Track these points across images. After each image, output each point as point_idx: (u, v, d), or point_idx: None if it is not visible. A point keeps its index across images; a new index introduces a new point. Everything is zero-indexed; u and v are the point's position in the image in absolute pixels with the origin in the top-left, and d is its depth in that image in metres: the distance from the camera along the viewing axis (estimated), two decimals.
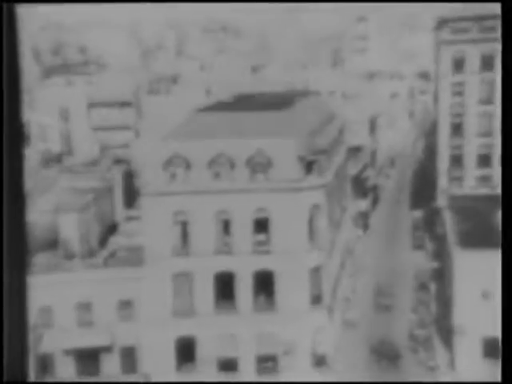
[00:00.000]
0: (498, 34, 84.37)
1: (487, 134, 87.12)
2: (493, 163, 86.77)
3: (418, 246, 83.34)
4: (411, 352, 57.50)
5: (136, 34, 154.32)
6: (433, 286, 70.07)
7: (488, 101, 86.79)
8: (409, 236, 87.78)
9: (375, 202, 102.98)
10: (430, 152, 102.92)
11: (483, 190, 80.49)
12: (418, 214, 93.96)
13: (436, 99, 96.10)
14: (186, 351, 53.43)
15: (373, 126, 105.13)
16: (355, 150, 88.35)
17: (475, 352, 53.91)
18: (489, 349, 53.89)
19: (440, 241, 73.35)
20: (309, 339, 53.41)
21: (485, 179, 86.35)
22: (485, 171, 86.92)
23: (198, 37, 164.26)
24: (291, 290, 52.95)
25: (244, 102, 70.95)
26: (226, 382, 54.07)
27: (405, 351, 57.81)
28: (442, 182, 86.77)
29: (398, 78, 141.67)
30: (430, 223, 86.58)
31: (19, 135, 11.38)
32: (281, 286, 53.22)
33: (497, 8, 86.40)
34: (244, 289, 53.03)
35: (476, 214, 68.57)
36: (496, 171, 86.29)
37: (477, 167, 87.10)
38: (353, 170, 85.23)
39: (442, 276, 66.83)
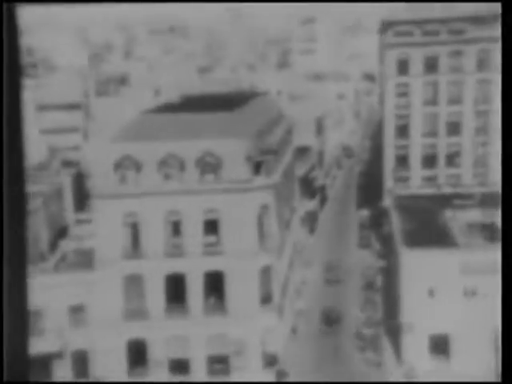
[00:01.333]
0: (441, 37, 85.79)
1: (432, 134, 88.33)
2: (438, 163, 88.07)
3: (365, 245, 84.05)
4: (359, 350, 57.90)
5: (84, 36, 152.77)
6: (380, 285, 70.77)
7: (432, 102, 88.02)
8: (356, 235, 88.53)
9: (323, 201, 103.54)
10: (376, 152, 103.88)
11: (429, 190, 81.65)
12: (365, 213, 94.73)
13: (381, 100, 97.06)
14: (137, 354, 53.10)
15: (320, 127, 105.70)
16: (303, 151, 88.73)
17: (422, 349, 54.61)
18: (436, 345, 54.75)
19: (386, 240, 74.06)
20: (259, 339, 53.56)
21: (430, 179, 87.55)
22: (430, 171, 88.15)
23: (145, 38, 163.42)
24: (241, 291, 53.01)
25: (192, 103, 70.76)
26: (226, 382, 53.88)
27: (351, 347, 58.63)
28: (388, 181, 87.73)
29: (345, 79, 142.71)
30: (377, 223, 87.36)
31: (19, 135, 11.26)
32: (231, 287, 53.24)
33: (442, 11, 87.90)
34: (195, 290, 52.91)
35: (422, 213, 69.45)
36: (441, 171, 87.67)
37: (422, 167, 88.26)
38: (300, 170, 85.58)
39: (389, 274, 67.49)
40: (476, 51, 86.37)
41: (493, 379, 49.50)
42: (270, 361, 54.16)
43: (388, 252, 71.02)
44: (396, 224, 65.75)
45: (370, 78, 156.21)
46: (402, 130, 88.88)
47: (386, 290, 67.20)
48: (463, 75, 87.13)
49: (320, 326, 63.63)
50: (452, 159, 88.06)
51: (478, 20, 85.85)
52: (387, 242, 72.67)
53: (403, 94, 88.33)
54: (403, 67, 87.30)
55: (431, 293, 54.54)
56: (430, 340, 54.68)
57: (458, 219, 67.21)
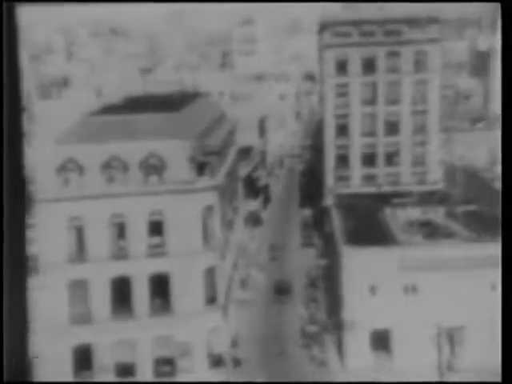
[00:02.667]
0: (378, 38, 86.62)
1: (371, 133, 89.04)
2: (377, 162, 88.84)
3: (308, 244, 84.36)
4: (303, 348, 58.08)
5: (24, 37, 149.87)
6: (322, 283, 71.13)
7: (371, 101, 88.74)
8: (299, 234, 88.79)
9: (266, 201, 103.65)
10: (317, 152, 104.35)
11: (369, 189, 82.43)
12: (307, 212, 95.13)
13: (321, 100, 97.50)
14: (83, 359, 52.31)
15: (262, 127, 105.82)
16: (246, 151, 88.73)
17: (364, 345, 55.08)
18: (377, 341, 55.30)
19: (328, 238, 74.45)
20: (205, 340, 53.31)
21: (370, 178, 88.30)
22: (370, 170, 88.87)
23: (86, 40, 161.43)
24: (186, 292, 52.70)
25: (135, 104, 70.07)
26: (227, 382, 53.50)
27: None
28: (329, 181, 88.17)
29: (285, 79, 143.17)
30: (319, 221, 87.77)
31: (19, 135, 10.93)
32: (176, 288, 52.86)
33: (378, 13, 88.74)
34: (140, 293, 52.33)
35: (362, 211, 70.05)
36: (381, 170, 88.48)
37: (362, 166, 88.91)
38: (244, 170, 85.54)
39: (331, 273, 67.89)
40: (413, 52, 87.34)
41: (434, 373, 50.13)
42: (216, 361, 54.01)
43: (330, 250, 71.41)
44: (337, 223, 66.15)
45: (310, 78, 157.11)
46: (342, 130, 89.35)
47: (329, 288, 67.60)
48: (401, 76, 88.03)
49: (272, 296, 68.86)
50: (391, 158, 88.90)
51: (414, 22, 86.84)
52: (329, 241, 73.08)
53: (342, 94, 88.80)
54: (342, 67, 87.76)
55: (372, 290, 54.99)
56: (372, 336, 55.17)
57: (397, 217, 67.98)
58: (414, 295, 54.68)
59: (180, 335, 52.51)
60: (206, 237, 54.43)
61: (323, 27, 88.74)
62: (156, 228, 52.72)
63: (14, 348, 11.07)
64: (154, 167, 53.04)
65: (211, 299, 54.29)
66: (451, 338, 54.53)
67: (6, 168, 10.63)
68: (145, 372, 52.52)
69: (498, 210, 63.76)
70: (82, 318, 52.18)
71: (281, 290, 70.18)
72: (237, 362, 56.20)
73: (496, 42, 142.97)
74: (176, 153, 53.64)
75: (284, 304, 67.45)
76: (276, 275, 74.23)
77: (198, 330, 52.76)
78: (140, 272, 51.88)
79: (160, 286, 52.69)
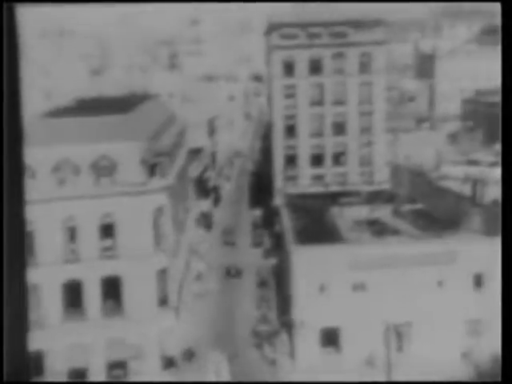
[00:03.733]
0: (324, 40, 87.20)
1: (319, 134, 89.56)
2: (325, 162, 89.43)
3: (258, 244, 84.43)
4: (255, 348, 58.11)
5: None
6: (273, 282, 71.29)
7: (318, 102, 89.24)
8: (249, 234, 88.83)
9: (217, 202, 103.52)
10: (267, 152, 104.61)
11: (317, 188, 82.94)
12: (257, 212, 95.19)
13: (270, 101, 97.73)
14: (34, 365, 51.39)
15: (212, 128, 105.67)
16: (196, 152, 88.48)
17: (314, 342, 55.37)
18: (327, 339, 55.64)
19: (278, 238, 74.68)
20: (157, 342, 52.96)
21: (318, 178, 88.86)
22: (318, 170, 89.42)
23: (35, 41, 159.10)
24: (138, 294, 52.25)
25: (85, 106, 69.29)
26: (228, 382, 53.06)
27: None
28: (278, 181, 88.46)
29: (234, 80, 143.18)
30: (269, 221, 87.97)
31: (19, 136, 10.75)
32: (128, 291, 52.32)
33: (324, 15, 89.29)
34: (92, 296, 51.58)
35: (311, 211, 70.43)
36: (328, 170, 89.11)
37: (310, 166, 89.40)
38: (194, 171, 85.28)
39: (282, 272, 68.09)
40: (358, 54, 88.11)
41: (381, 370, 50.65)
42: (169, 362, 53.72)
43: (280, 250, 71.66)
44: (286, 222, 66.28)
45: (258, 79, 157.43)
46: (290, 131, 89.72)
47: (280, 288, 67.80)
48: (346, 77, 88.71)
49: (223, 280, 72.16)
50: (338, 158, 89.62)
51: (359, 24, 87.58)
52: (279, 240, 73.32)
53: (290, 95, 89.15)
54: (289, 69, 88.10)
55: (321, 288, 55.26)
56: (321, 334, 55.48)
57: (345, 216, 68.58)
58: (362, 293, 55.14)
59: (132, 338, 52.02)
60: (158, 238, 54.04)
61: (270, 29, 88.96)
62: (107, 230, 52.15)
63: (14, 348, 10.95)
64: (104, 169, 52.44)
65: (163, 301, 53.93)
66: (399, 334, 55.18)
67: (6, 169, 10.54)
68: (97, 376, 51.84)
69: (443, 209, 65.01)
70: (34, 324, 51.31)
71: (231, 274, 73.33)
72: (190, 355, 56.27)
73: (439, 44, 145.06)
74: (126, 154, 53.13)
75: (236, 288, 69.01)
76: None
77: (151, 331, 52.37)
78: (92, 275, 51.19)
79: (112, 289, 52.04)
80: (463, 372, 52.81)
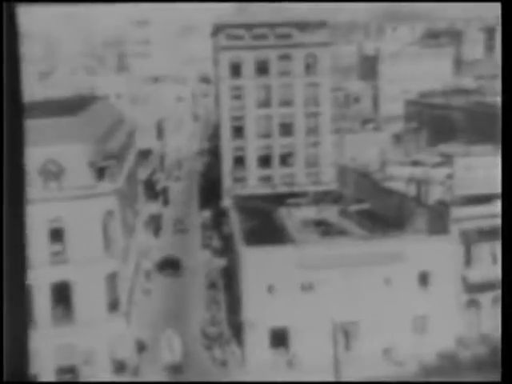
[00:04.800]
0: (269, 41, 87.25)
1: (266, 135, 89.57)
2: (273, 163, 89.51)
3: (208, 246, 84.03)
4: (205, 349, 57.79)
5: None
6: (222, 284, 71.05)
7: (265, 104, 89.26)
8: (199, 236, 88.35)
9: (166, 204, 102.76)
10: (215, 154, 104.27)
11: (265, 189, 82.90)
12: (207, 214, 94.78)
13: (217, 103, 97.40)
14: None
15: (160, 130, 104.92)
16: (144, 154, 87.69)
17: (263, 343, 55.33)
18: (276, 339, 55.66)
19: (227, 239, 74.51)
20: (107, 346, 52.24)
21: (266, 179, 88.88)
22: (265, 171, 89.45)
23: None
24: (88, 299, 51.45)
25: (33, 109, 67.95)
26: (228, 382, 52.49)
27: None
28: (227, 182, 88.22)
29: (182, 81, 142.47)
30: (218, 223, 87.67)
31: (20, 136, 10.36)
32: (78, 296, 51.50)
33: (270, 16, 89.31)
34: (42, 302, 50.65)
35: (259, 212, 70.41)
36: (276, 171, 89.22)
37: (258, 167, 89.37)
38: (143, 173, 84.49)
39: (231, 273, 67.95)
40: (303, 55, 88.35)
41: (331, 369, 50.90)
42: (119, 367, 53.06)
43: (229, 251, 71.50)
44: (235, 223, 66.23)
45: (206, 80, 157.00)
46: (238, 132, 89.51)
47: (229, 289, 67.62)
48: (293, 78, 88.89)
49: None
50: (286, 159, 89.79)
51: (304, 26, 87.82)
52: (228, 242, 73.15)
53: (237, 97, 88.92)
54: (236, 70, 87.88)
55: (270, 289, 55.28)
56: (271, 334, 55.49)
57: (293, 217, 68.72)
58: (310, 293, 55.32)
59: (83, 343, 51.22)
60: (107, 242, 53.36)
61: (217, 30, 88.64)
62: (56, 235, 51.24)
63: (14, 348, 10.66)
64: (52, 173, 51.49)
65: (113, 305, 53.26)
66: (346, 332, 55.53)
67: (6, 169, 10.22)
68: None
69: (389, 209, 65.58)
70: None
71: (170, 265, 74.53)
72: (142, 348, 55.84)
73: (382, 46, 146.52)
74: (74, 157, 52.28)
75: (185, 290, 69.11)
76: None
77: (101, 336, 51.63)
78: (41, 281, 50.20)
79: (62, 294, 51.22)
80: (410, 368, 53.34)
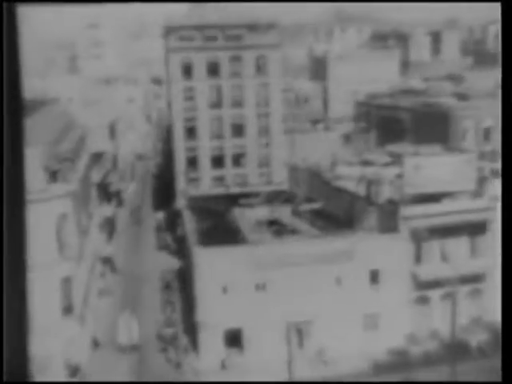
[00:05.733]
0: (220, 42, 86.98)
1: (218, 136, 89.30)
2: (225, 164, 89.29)
3: (162, 247, 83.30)
4: (160, 352, 57.17)
5: None
6: (177, 285, 70.48)
7: (217, 105, 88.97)
8: (153, 237, 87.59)
9: (120, 206, 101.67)
10: (168, 155, 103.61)
11: (218, 190, 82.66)
12: (161, 215, 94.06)
13: (169, 104, 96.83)
14: None
15: (113, 132, 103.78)
16: (97, 156, 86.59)
17: (218, 344, 55.00)
18: (230, 340, 55.35)
19: (182, 240, 73.95)
20: (62, 351, 51.27)
21: (219, 179, 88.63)
22: (218, 172, 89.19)
23: None
24: (42, 303, 50.44)
25: None
26: (228, 382, 51.59)
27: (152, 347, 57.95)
28: (180, 183, 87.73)
29: (133, 83, 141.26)
30: (172, 224, 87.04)
31: (20, 135, 10.07)
32: (31, 301, 50.43)
33: (219, 18, 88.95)
34: None
35: (213, 213, 70.07)
36: (229, 171, 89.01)
37: (211, 168, 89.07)
38: (96, 176, 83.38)
39: (186, 274, 67.44)
40: (254, 57, 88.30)
41: (284, 368, 50.81)
42: (74, 371, 52.18)
43: (184, 252, 70.96)
44: (189, 224, 65.68)
45: (157, 81, 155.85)
46: (191, 133, 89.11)
47: (184, 290, 67.09)
48: (244, 79, 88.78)
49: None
50: (238, 160, 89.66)
51: (254, 27, 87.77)
52: (182, 243, 72.60)
53: (189, 98, 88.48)
54: (187, 71, 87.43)
55: (225, 289, 54.95)
56: (225, 335, 55.18)
57: (246, 217, 68.53)
58: (264, 293, 55.17)
59: (36, 348, 50.18)
60: (61, 245, 52.41)
61: (168, 31, 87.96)
62: None
63: (14, 348, 10.34)
64: None
65: (68, 309, 52.33)
66: (299, 331, 55.55)
67: (6, 170, 9.93)
68: None
69: (340, 208, 65.83)
70: None
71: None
72: (95, 343, 55.04)
73: (331, 47, 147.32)
74: (28, 161, 51.12)
75: (140, 292, 68.41)
76: (132, 277, 72.98)
77: (55, 342, 50.66)
78: None
79: None
80: (362, 365, 53.57)
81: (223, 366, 53.99)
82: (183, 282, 68.34)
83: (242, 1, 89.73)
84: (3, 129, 9.99)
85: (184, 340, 58.18)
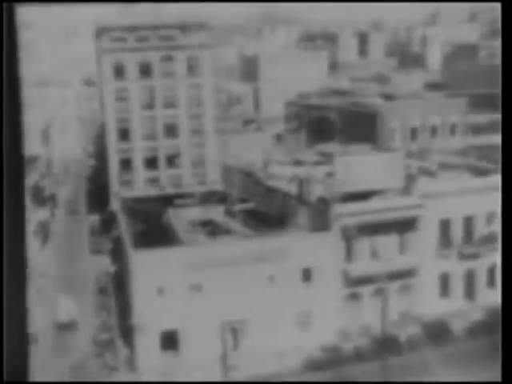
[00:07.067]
0: (152, 43, 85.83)
1: (152, 137, 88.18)
2: (159, 165, 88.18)
3: (97, 251, 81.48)
4: (96, 357, 55.78)
5: None
6: (113, 289, 68.97)
7: (150, 105, 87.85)
8: (87, 241, 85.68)
9: (54, 210, 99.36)
10: (101, 157, 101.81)
11: (152, 191, 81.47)
12: (95, 218, 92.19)
13: (102, 105, 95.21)
14: None
15: (46, 135, 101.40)
16: (31, 160, 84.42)
17: (154, 347, 53.94)
18: (166, 342, 54.35)
19: (117, 243, 72.53)
20: None
21: (153, 180, 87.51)
22: (152, 173, 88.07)
23: None
24: None
25: None
26: (226, 382, 50.31)
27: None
28: (114, 185, 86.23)
29: (66, 85, 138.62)
30: (107, 227, 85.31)
31: (19, 133, 9.11)
32: None
33: (151, 18, 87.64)
34: None
35: (148, 214, 68.85)
36: (163, 172, 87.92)
37: (145, 169, 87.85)
38: (30, 179, 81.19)
39: (121, 278, 66.08)
40: (185, 57, 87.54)
41: (218, 369, 50.20)
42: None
43: (119, 255, 69.57)
44: (124, 227, 64.37)
45: (90, 83, 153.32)
46: (124, 134, 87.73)
47: (120, 293, 65.64)
48: (176, 80, 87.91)
49: None
50: (172, 160, 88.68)
51: (185, 28, 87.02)
52: (118, 246, 71.19)
53: (122, 99, 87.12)
54: (120, 72, 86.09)
55: (160, 291, 53.92)
56: (161, 337, 54.14)
57: (180, 218, 67.59)
58: (199, 293, 54.38)
59: None
60: None
61: (100, 32, 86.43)
62: None
63: (14, 348, 9.52)
64: None
65: None
66: (234, 331, 55.00)
67: (6, 170, 9.06)
68: None
69: (272, 208, 65.50)
70: None
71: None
72: (34, 341, 53.77)
73: (261, 48, 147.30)
74: None
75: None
76: (67, 283, 71.15)
77: None
78: None
79: None
80: (295, 362, 53.31)
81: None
82: (119, 285, 66.88)
83: (173, 1, 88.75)
84: (3, 125, 9.35)
85: (120, 344, 56.89)
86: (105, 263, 76.53)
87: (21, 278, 9.65)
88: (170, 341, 54.19)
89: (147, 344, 53.63)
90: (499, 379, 48.48)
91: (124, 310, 59.57)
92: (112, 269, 73.10)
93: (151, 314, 53.51)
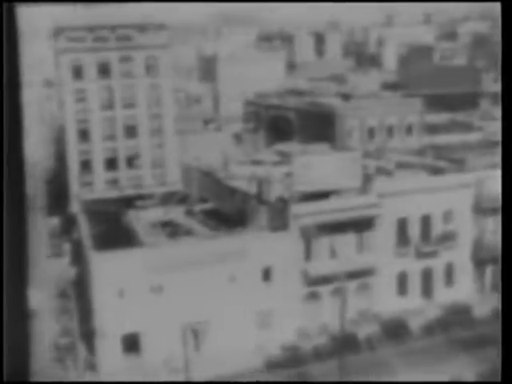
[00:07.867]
0: (110, 43, 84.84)
1: (111, 137, 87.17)
2: (119, 166, 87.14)
3: (57, 254, 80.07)
4: (57, 362, 54.72)
5: None
6: (74, 292, 67.81)
7: (109, 106, 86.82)
8: (47, 244, 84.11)
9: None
10: (61, 158, 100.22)
11: (113, 193, 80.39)
12: (55, 221, 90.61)
13: (61, 106, 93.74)
14: None
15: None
16: None
17: (116, 350, 53.14)
18: (128, 344, 53.57)
19: (77, 246, 71.38)
20: None
21: (113, 182, 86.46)
22: (112, 174, 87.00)
23: None
24: None
25: None
26: (224, 382, 49.42)
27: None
28: (74, 187, 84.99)
29: (26, 86, 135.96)
30: (67, 229, 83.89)
31: (19, 133, 8.20)
32: None
33: (112, 18, 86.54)
34: None
35: (108, 216, 67.91)
36: (123, 173, 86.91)
37: (105, 170, 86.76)
38: None
39: (82, 280, 64.97)
40: (144, 57, 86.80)
41: (181, 368, 49.70)
42: None
43: (79, 258, 68.45)
44: (84, 229, 63.38)
45: (49, 84, 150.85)
46: (84, 135, 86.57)
47: (80, 297, 64.51)
48: (135, 80, 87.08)
49: None
50: (132, 161, 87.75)
51: (143, 28, 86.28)
52: (78, 248, 70.06)
53: (81, 99, 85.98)
54: (78, 72, 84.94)
55: (121, 294, 53.14)
56: (123, 340, 53.33)
57: (141, 219, 66.78)
58: (160, 295, 53.75)
59: None
60: None
61: (57, 32, 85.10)
62: None
63: (14, 348, 8.87)
64: None
65: None
66: (196, 332, 54.49)
67: (5, 171, 8.27)
68: None
69: (232, 207, 65.09)
70: None
71: None
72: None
73: (220, 48, 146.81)
74: None
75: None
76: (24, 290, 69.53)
77: None
78: None
79: None
80: (256, 362, 53.00)
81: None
82: (80, 289, 65.75)
83: (133, 1, 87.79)
84: (3, 126, 8.65)
85: (81, 348, 55.91)
86: (65, 266, 75.26)
87: (22, 278, 9.17)
88: (131, 343, 53.45)
89: (109, 347, 52.81)
90: (457, 376, 49.14)
91: (85, 313, 58.56)
92: (72, 272, 71.98)
93: (112, 316, 52.70)
